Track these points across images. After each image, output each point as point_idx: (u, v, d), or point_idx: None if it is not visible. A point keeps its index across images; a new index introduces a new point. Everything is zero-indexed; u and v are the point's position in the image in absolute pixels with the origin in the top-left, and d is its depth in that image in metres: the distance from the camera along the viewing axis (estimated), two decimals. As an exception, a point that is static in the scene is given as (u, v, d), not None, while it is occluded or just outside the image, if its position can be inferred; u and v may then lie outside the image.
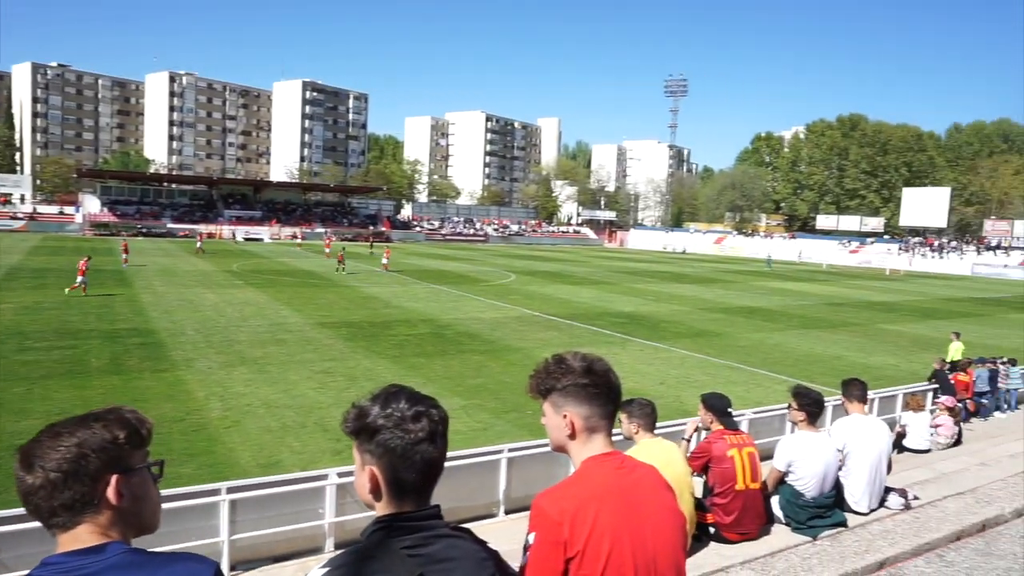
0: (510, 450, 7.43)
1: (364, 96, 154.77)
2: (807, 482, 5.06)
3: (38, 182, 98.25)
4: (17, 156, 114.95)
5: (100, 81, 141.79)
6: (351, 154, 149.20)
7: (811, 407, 5.16)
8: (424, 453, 1.58)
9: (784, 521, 5.18)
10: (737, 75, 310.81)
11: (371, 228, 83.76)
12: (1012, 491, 3.92)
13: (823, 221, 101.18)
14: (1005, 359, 16.05)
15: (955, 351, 18.09)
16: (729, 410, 5.32)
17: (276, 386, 13.74)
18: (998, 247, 78.46)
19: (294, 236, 75.62)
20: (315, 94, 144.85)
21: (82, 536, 1.43)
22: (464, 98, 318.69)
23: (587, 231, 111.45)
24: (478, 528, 6.93)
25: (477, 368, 16.31)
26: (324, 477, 6.50)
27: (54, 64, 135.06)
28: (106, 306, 22.73)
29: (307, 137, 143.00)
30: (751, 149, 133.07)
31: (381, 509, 1.62)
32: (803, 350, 21.06)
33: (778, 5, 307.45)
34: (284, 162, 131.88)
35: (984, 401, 14.82)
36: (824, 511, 5.05)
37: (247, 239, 72.25)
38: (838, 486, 5.32)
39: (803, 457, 5.09)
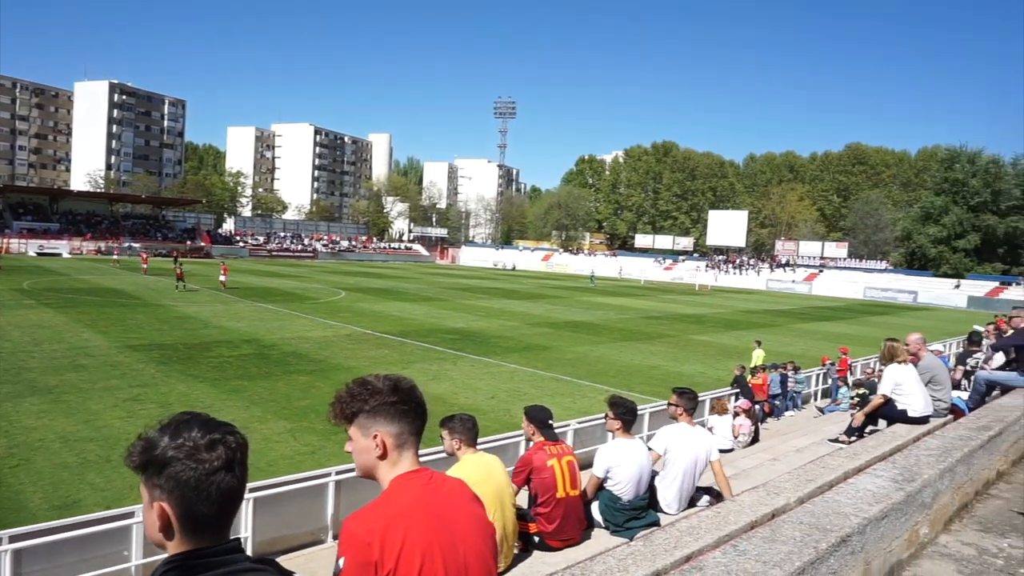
0: (338, 473, 7.24)
1: (181, 102, 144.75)
2: (623, 486, 5.39)
3: None
4: None
5: None
6: (166, 163, 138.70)
7: (625, 415, 5.52)
8: (221, 483, 1.47)
9: (604, 525, 5.48)
10: (563, 100, 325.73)
11: (189, 243, 78.31)
12: (796, 482, 4.40)
13: (641, 240, 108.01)
14: (793, 364, 18.01)
15: (758, 357, 20.00)
16: (550, 422, 5.52)
17: (75, 417, 12.43)
18: (787, 264, 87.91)
19: (100, 251, 68.96)
20: (125, 97, 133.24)
21: None
22: (292, 110, 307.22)
23: (419, 248, 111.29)
24: (305, 555, 6.69)
25: (304, 389, 15.72)
26: (130, 515, 5.97)
27: None
28: None
29: (115, 144, 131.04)
30: (575, 171, 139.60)
31: (174, 548, 1.49)
32: (624, 361, 22.32)
33: (599, 38, 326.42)
34: (87, 170, 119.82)
35: (777, 403, 16.52)
36: (639, 512, 5.40)
37: (41, 254, 64.92)
38: (652, 488, 5.72)
39: (620, 463, 5.42)
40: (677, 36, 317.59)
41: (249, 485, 6.86)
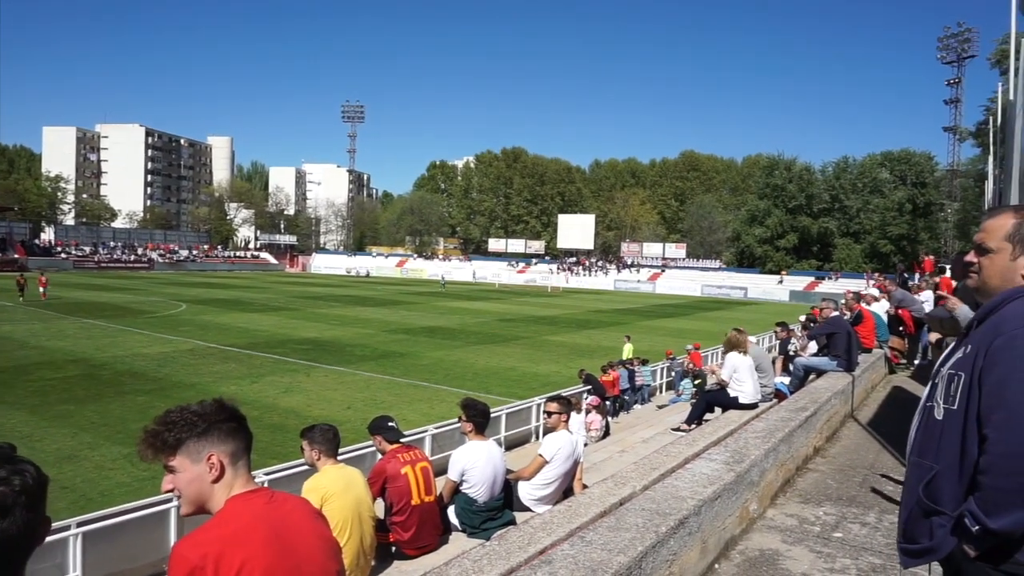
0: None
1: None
2: (478, 488, 5.46)
3: None
4: None
5: None
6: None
7: (477, 418, 5.61)
8: None
9: (461, 528, 5.52)
10: (412, 105, 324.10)
11: (0, 255, 70.44)
12: (641, 471, 4.65)
13: (494, 244, 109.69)
14: (640, 359, 18.99)
15: (627, 351, 20.89)
16: (392, 425, 5.53)
17: None
18: (632, 265, 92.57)
19: None
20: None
21: None
22: (119, 109, 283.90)
23: (267, 256, 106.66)
24: (144, 589, 6.19)
25: (142, 410, 14.61)
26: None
27: None
28: None
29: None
30: (427, 176, 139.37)
31: None
32: (481, 364, 22.57)
33: (446, 42, 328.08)
34: None
35: (626, 397, 17.35)
36: (495, 513, 5.50)
37: None
38: (508, 489, 5.83)
39: (474, 465, 5.48)
40: (524, 41, 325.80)
41: (78, 518, 6.34)
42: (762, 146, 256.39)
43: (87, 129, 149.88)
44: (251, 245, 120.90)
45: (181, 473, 1.94)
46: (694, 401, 10.23)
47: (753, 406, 7.98)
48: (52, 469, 9.74)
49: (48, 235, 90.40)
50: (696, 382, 15.34)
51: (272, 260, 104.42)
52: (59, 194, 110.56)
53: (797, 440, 5.57)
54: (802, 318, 15.50)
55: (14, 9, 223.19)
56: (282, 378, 18.75)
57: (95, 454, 11.65)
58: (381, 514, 5.17)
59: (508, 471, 5.92)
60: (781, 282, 79.58)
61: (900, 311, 11.96)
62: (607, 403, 14.76)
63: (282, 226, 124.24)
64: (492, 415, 8.96)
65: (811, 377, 8.84)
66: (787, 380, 9.51)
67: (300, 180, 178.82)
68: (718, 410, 8.57)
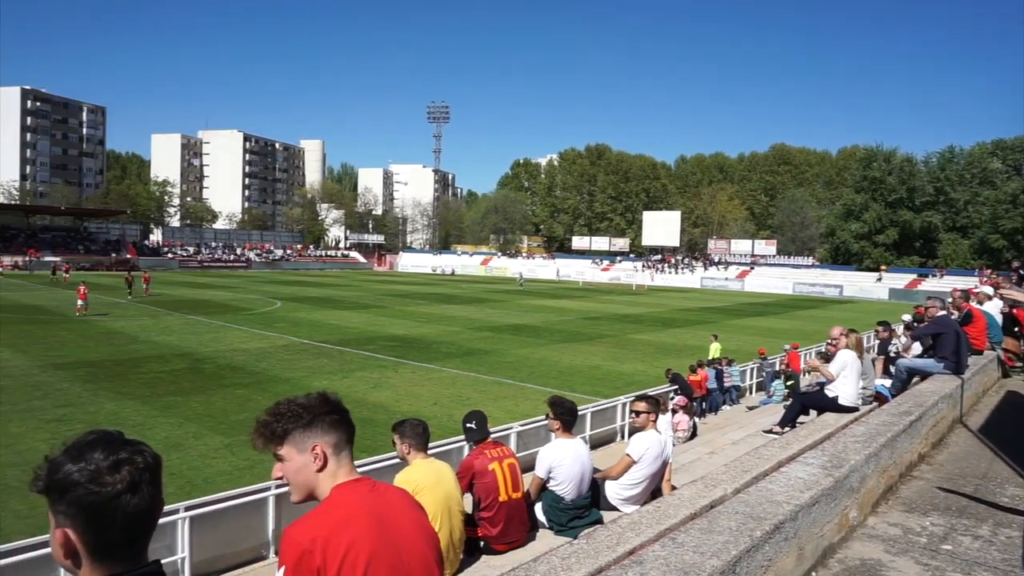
0: (278, 487, 7.09)
1: (101, 109, 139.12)
2: (566, 486, 5.45)
3: None
4: None
5: None
6: (86, 173, 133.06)
7: (565, 416, 5.59)
8: (127, 507, 1.40)
9: (548, 526, 5.53)
10: (496, 103, 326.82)
11: (114, 255, 75.38)
12: (732, 473, 4.52)
13: (578, 242, 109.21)
14: (727, 359, 18.51)
15: (714, 351, 20.46)
16: (470, 426, 5.56)
17: (-6, 441, 11.83)
18: (720, 263, 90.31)
19: (17, 266, 65.69)
20: (39, 104, 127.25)
21: None
22: (220, 116, 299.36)
23: (356, 255, 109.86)
24: (247, 572, 6.54)
25: (241, 403, 15.33)
26: (58, 541, 5.71)
27: None
28: None
29: (29, 153, 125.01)
30: (511, 175, 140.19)
31: (85, 574, 1.43)
32: (565, 362, 22.53)
33: (530, 41, 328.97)
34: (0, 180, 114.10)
35: (714, 397, 16.96)
36: (582, 511, 5.47)
37: (-49, 270, 61.51)
38: (595, 487, 5.79)
39: (561, 463, 5.47)
40: (609, 38, 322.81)
41: (186, 503, 6.69)
42: (858, 137, 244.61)
43: (191, 136, 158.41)
44: (341, 244, 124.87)
45: (288, 462, 2.04)
46: (787, 403, 9.88)
47: (852, 409, 7.64)
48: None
49: (156, 236, 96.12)
50: (789, 383, 14.82)
51: (361, 259, 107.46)
52: (166, 197, 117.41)
53: (900, 446, 5.30)
54: (905, 317, 14.71)
55: (126, 28, 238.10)
56: (371, 374, 19.27)
57: (199, 443, 12.29)
58: (469, 509, 5.24)
59: (595, 470, 5.89)
60: (880, 279, 75.80)
61: (1015, 311, 11.20)
62: (694, 403, 14.47)
63: (370, 226, 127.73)
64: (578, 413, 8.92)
65: (915, 380, 8.39)
66: (888, 383, 9.06)
67: (387, 181, 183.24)
68: (812, 413, 8.25)
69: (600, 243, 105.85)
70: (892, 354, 11.51)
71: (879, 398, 8.38)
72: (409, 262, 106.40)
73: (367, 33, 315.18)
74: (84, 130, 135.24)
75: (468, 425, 5.53)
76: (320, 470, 2.03)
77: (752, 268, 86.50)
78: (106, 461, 1.42)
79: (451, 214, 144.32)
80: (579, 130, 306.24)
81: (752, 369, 19.69)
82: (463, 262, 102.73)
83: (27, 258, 67.70)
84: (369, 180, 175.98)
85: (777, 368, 18.26)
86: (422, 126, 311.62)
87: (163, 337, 24.84)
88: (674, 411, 12.42)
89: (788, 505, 3.45)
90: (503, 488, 5.16)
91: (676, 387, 14.72)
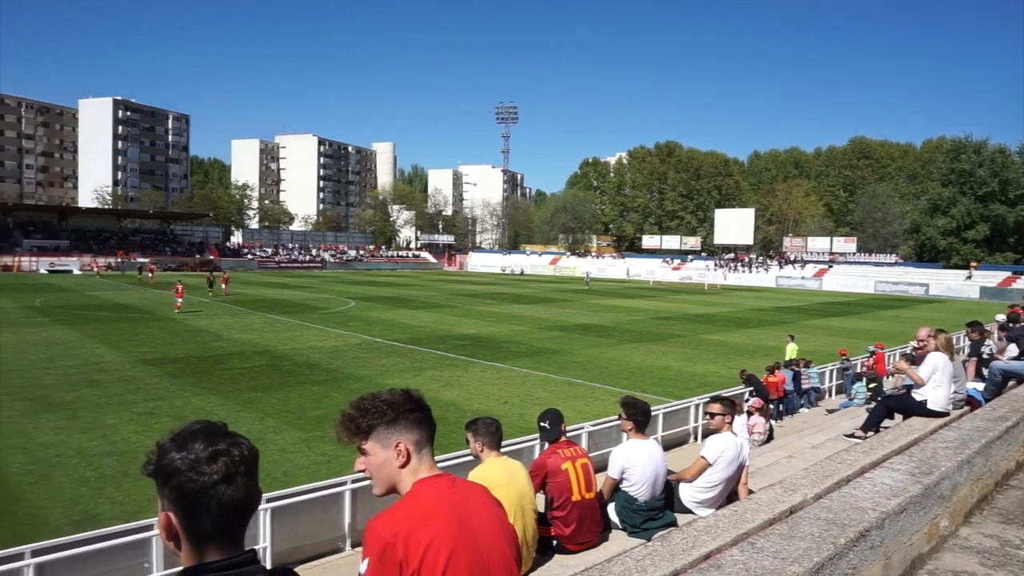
0: (354, 481, 7.27)
1: (185, 117, 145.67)
2: (639, 487, 5.39)
3: None
4: None
5: None
6: (172, 178, 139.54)
7: (638, 416, 5.52)
8: (221, 496, 1.47)
9: (621, 527, 5.48)
10: (564, 103, 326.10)
11: (198, 256, 78.75)
12: (813, 478, 4.38)
13: (648, 241, 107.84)
14: (805, 361, 17.94)
15: (791, 351, 19.91)
16: (544, 425, 5.52)
17: (91, 432, 12.52)
18: (796, 261, 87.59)
19: (110, 267, 69.45)
20: (129, 114, 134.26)
21: None
22: (295, 121, 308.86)
23: (426, 255, 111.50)
24: (324, 564, 6.73)
25: (318, 399, 15.78)
26: (149, 528, 6.00)
27: None
28: None
29: (121, 160, 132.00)
30: (580, 174, 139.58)
31: (184, 558, 1.51)
32: (635, 363, 22.29)
33: (597, 39, 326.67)
34: (94, 186, 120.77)
35: (791, 400, 16.46)
36: (656, 513, 5.40)
37: (52, 271, 65.44)
38: (669, 489, 5.71)
39: (634, 464, 5.41)
40: (676, 34, 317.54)
41: (266, 495, 6.91)
42: (945, 128, 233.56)
43: (268, 140, 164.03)
44: (412, 245, 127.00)
45: (372, 457, 2.09)
46: (869, 407, 9.50)
47: (943, 414, 7.29)
48: (243, 450, 10.75)
49: (237, 238, 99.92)
50: (871, 386, 14.25)
51: (431, 259, 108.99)
52: (245, 200, 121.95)
53: (996, 452, 5.02)
54: (999, 317, 13.94)
55: (207, 38, 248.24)
56: (442, 372, 19.51)
57: (278, 437, 12.71)
58: (541, 508, 5.24)
59: (669, 471, 5.81)
60: (970, 277, 71.96)
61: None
62: (770, 406, 14.07)
63: (440, 226, 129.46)
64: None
65: (1010, 383, 7.94)
66: (980, 386, 8.60)
67: (457, 182, 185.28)
68: (897, 417, 7.91)
69: (671, 242, 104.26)
70: (985, 356, 10.92)
71: (971, 402, 7.96)
72: (478, 262, 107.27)
73: (437, 36, 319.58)
74: (170, 137, 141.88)
75: (542, 424, 5.52)
76: (403, 466, 2.07)
77: (830, 266, 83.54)
78: (205, 452, 1.49)
79: (520, 214, 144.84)
80: (648, 128, 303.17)
81: (832, 371, 19.01)
82: (532, 262, 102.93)
83: (118, 259, 71.42)
84: (439, 181, 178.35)
85: (858, 369, 17.58)
86: (491, 127, 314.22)
87: (244, 335, 25.79)
88: (749, 413, 12.11)
89: (874, 512, 3.32)
90: (576, 488, 5.14)
91: (751, 389, 14.35)
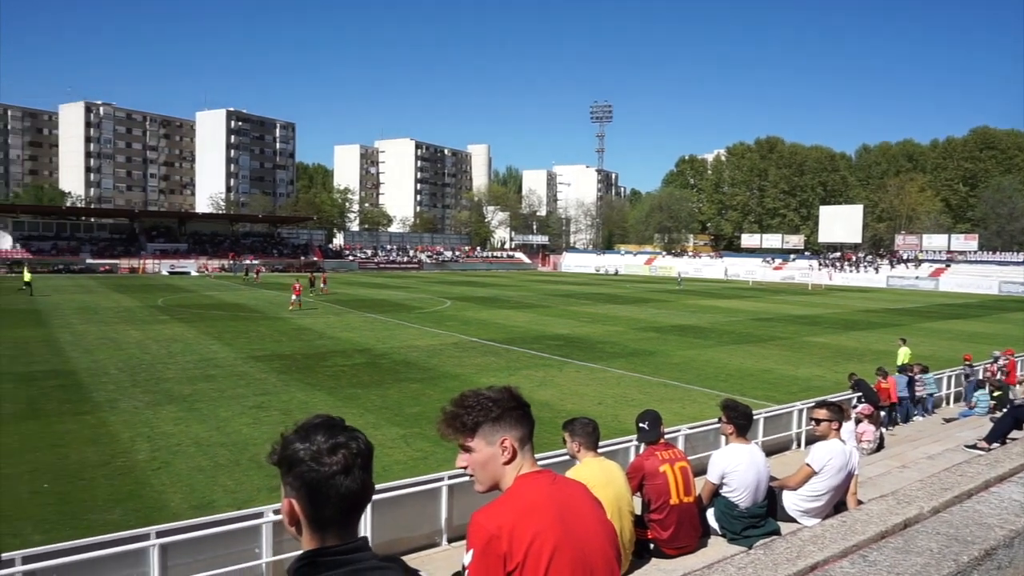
0: (451, 477, 7.39)
1: (291, 125, 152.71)
2: (740, 493, 5.22)
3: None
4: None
5: (10, 112, 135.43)
6: (279, 184, 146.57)
7: (739, 420, 5.35)
8: (340, 487, 1.55)
9: (720, 532, 5.33)
10: (659, 101, 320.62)
11: (303, 258, 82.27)
12: (930, 491, 4.11)
13: (747, 240, 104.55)
14: (920, 366, 16.90)
15: (904, 355, 18.89)
16: (643, 426, 5.42)
17: (207, 423, 13.30)
18: (909, 260, 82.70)
19: (223, 268, 73.61)
20: (240, 124, 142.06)
21: None
22: (393, 125, 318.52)
23: (521, 255, 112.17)
24: (421, 557, 6.88)
25: (415, 397, 16.16)
26: (260, 515, 6.31)
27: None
28: (20, 347, 21.61)
29: (233, 167, 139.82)
30: (676, 172, 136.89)
31: (305, 542, 1.60)
32: (734, 365, 21.66)
33: (694, 32, 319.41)
34: (209, 193, 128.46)
35: (905, 407, 15.55)
36: (757, 520, 5.22)
37: (172, 272, 69.96)
38: (771, 496, 5.50)
39: (735, 469, 5.26)
40: (776, 27, 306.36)
41: (367, 489, 7.14)
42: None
43: (368, 145, 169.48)
44: (506, 245, 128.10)
45: (476, 453, 2.11)
46: (994, 416, 8.86)
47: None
48: (345, 444, 11.14)
49: (338, 240, 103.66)
50: (996, 394, 13.28)
51: (526, 259, 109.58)
52: (347, 204, 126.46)
53: None
54: None
55: (310, 49, 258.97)
56: (536, 372, 19.58)
57: (378, 433, 13.09)
58: (638, 510, 5.17)
59: (771, 478, 5.60)
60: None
61: None
62: (881, 413, 13.35)
63: (534, 227, 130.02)
64: (750, 418, 8.52)
65: None
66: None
67: (551, 182, 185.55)
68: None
69: (772, 240, 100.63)
70: None
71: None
72: (572, 262, 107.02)
73: (532, 37, 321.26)
74: (277, 145, 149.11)
75: (641, 425, 5.44)
76: (508, 462, 2.10)
77: (948, 265, 78.38)
78: (326, 443, 1.58)
79: (614, 213, 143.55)
80: (748, 124, 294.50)
81: (950, 377, 17.83)
82: (626, 262, 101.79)
83: (230, 261, 75.54)
84: (533, 182, 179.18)
85: (980, 376, 16.42)
86: (585, 127, 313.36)
87: (345, 333, 26.74)
88: (858, 420, 11.54)
89: (1001, 530, 3.08)
90: (674, 491, 5.04)
91: (860, 394, 13.67)
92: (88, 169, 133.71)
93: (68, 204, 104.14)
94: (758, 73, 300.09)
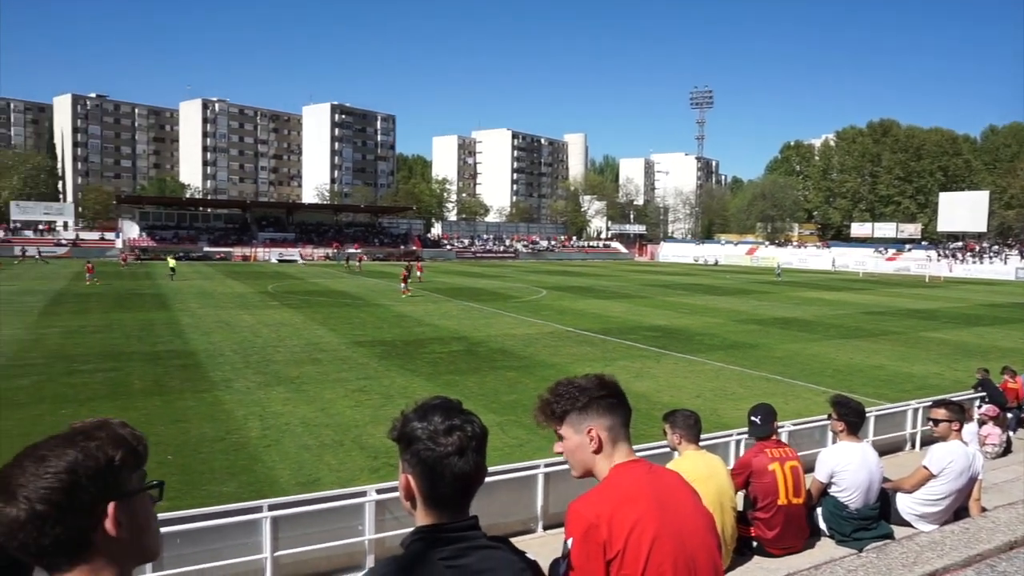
0: (546, 465, 7.42)
1: (391, 117, 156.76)
2: (851, 493, 4.98)
3: (80, 209, 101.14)
4: (60, 185, 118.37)
5: (136, 110, 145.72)
6: (380, 174, 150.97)
7: (851, 417, 5.09)
8: (454, 467, 1.60)
9: (828, 533, 5.10)
10: (762, 85, 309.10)
11: (402, 247, 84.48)
12: (1065, 500, 3.81)
13: (857, 229, 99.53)
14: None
15: None
16: (755, 420, 5.19)
17: (313, 405, 13.90)
18: (1042, 251, 76.41)
19: (328, 257, 76.65)
20: (344, 117, 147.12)
21: None
22: (490, 116, 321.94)
23: (617, 245, 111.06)
24: (518, 543, 6.94)
25: (511, 384, 16.31)
26: (363, 494, 6.54)
27: (93, 95, 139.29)
28: (147, 328, 23.24)
29: (337, 159, 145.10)
30: (780, 158, 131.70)
31: (419, 517, 1.66)
32: (842, 360, 20.70)
33: (799, 13, 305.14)
34: (315, 184, 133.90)
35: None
36: (869, 523, 4.97)
37: (281, 260, 73.39)
38: (884, 497, 5.22)
39: (846, 468, 5.01)
40: (886, 8, 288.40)
41: (465, 473, 7.27)
42: None
43: (465, 136, 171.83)
44: (603, 235, 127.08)
45: (567, 441, 2.13)
46: None
47: None
48: (443, 429, 11.39)
49: (436, 229, 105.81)
50: None
51: (622, 249, 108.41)
52: (445, 194, 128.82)
53: None
54: None
55: (409, 40, 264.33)
56: (633, 363, 19.35)
57: (475, 419, 13.29)
58: (740, 505, 5.02)
59: (884, 479, 5.32)
60: None
61: None
62: (1008, 414, 12.42)
63: (631, 216, 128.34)
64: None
65: None
66: None
67: (648, 170, 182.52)
68: None
69: (885, 229, 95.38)
70: None
71: None
72: (670, 252, 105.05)
73: (628, 23, 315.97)
74: (379, 137, 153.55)
75: (753, 419, 5.24)
76: (596, 452, 2.09)
77: (1088, 257, 71.93)
78: (443, 424, 1.64)
79: (715, 202, 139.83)
80: (858, 107, 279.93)
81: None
82: (727, 252, 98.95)
83: (333, 250, 78.47)
84: (630, 171, 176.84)
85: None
86: (684, 113, 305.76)
87: (443, 321, 27.28)
88: (982, 422, 10.79)
89: None
90: (783, 491, 4.84)
91: (984, 394, 12.76)
92: (205, 163, 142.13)
93: (187, 196, 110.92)
94: (870, 52, 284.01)
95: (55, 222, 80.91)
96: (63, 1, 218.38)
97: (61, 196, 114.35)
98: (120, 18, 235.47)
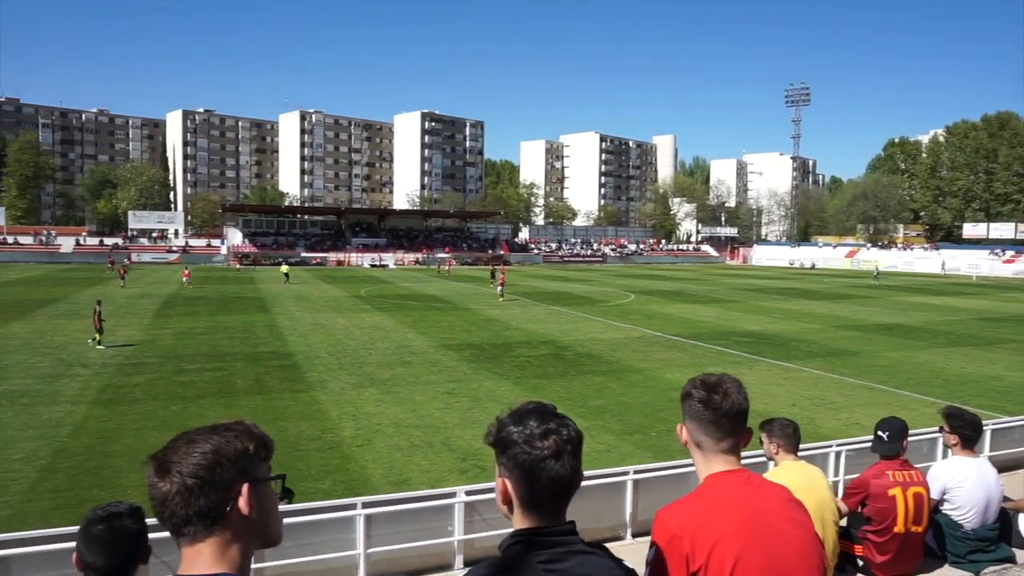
0: (636, 472, 7.30)
1: (480, 123, 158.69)
2: (966, 512, 4.64)
3: (189, 218, 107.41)
4: (171, 195, 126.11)
5: (240, 123, 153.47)
6: (469, 180, 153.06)
7: (965, 430, 4.73)
8: (550, 471, 1.60)
9: (939, 554, 4.77)
10: (863, 79, 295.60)
11: (490, 252, 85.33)
12: None
13: (970, 230, 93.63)
14: None
15: None
16: (881, 435, 4.76)
17: (404, 406, 14.20)
18: None
19: (418, 261, 78.33)
20: (433, 124, 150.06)
21: (204, 554, 1.37)
22: (578, 119, 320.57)
23: (708, 248, 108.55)
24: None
25: (598, 389, 16.17)
26: (452, 495, 6.62)
27: (201, 110, 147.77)
28: (249, 330, 24.37)
29: (427, 166, 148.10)
30: (884, 156, 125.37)
31: (515, 521, 1.66)
32: (953, 369, 19.47)
33: (897, 3, 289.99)
34: (406, 190, 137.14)
35: None
36: (987, 544, 4.62)
37: (373, 265, 75.49)
38: (1004, 518, 4.85)
39: (960, 484, 4.67)
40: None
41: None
42: None
43: (553, 140, 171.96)
44: (693, 238, 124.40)
45: (682, 435, 2.17)
46: None
47: None
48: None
49: (524, 234, 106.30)
50: None
51: (713, 252, 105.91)
52: (532, 198, 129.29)
53: None
54: None
55: (498, 49, 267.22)
56: (724, 369, 18.74)
57: (562, 424, 13.24)
58: (844, 521, 4.75)
59: (1005, 498, 4.94)
60: None
61: None
62: None
63: (723, 219, 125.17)
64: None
65: None
66: None
67: (741, 171, 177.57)
68: None
69: (1002, 230, 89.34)
70: None
71: None
72: (763, 255, 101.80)
73: (717, 19, 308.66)
74: (467, 143, 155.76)
75: (880, 433, 4.75)
76: (694, 448, 2.10)
77: None
78: (538, 428, 1.64)
79: (811, 203, 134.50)
80: (970, 100, 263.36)
81: None
82: (824, 254, 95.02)
83: (424, 255, 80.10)
84: (722, 172, 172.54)
85: None
86: (779, 112, 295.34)
87: (530, 325, 27.36)
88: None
89: None
90: (901, 520, 4.44)
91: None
92: (302, 171, 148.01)
93: (286, 203, 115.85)
94: (981, 41, 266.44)
95: (167, 230, 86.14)
96: (171, 21, 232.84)
97: (172, 205, 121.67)
98: (224, 36, 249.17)
